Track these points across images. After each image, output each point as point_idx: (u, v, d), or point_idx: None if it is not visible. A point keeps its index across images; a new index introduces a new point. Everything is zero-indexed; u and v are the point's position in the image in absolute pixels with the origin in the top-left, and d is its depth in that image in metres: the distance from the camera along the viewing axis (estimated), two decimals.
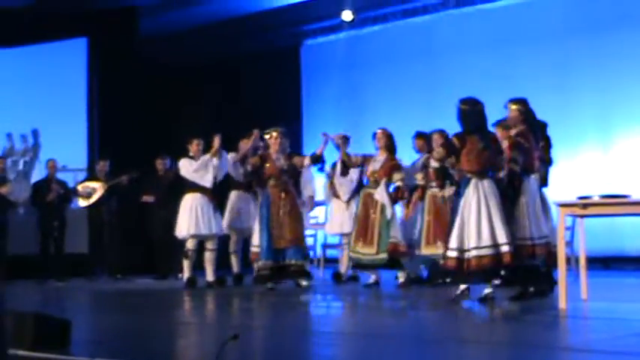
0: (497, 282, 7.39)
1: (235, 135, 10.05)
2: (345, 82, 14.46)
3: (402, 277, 9.12)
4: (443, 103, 12.62)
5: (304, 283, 9.10)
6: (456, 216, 7.00)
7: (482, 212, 6.84)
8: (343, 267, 10.06)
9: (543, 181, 7.64)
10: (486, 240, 6.79)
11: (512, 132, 7.20)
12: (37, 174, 12.77)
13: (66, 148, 13.03)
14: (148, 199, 11.46)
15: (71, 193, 11.90)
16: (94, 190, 11.74)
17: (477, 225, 6.81)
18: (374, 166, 9.27)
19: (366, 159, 9.45)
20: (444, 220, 8.63)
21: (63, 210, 11.75)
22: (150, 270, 11.72)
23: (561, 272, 6.31)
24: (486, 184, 6.95)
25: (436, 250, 8.76)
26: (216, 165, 9.61)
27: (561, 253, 6.34)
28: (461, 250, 6.86)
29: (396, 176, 9.16)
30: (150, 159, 11.53)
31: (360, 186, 9.79)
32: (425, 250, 9.02)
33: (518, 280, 7.13)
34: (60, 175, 12.16)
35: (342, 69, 14.50)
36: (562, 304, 6.22)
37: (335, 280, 10.05)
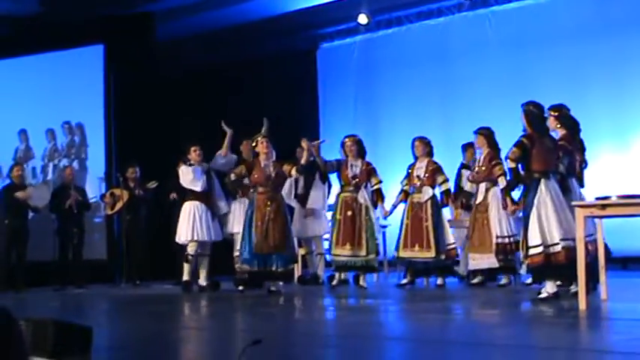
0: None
1: (251, 137, 10.08)
2: (361, 84, 14.48)
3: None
4: (458, 104, 12.70)
5: (273, 288, 9.05)
6: (528, 213, 7.04)
7: (558, 207, 6.99)
8: (320, 269, 10.36)
9: (579, 182, 7.70)
10: (569, 232, 6.89)
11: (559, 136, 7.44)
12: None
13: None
14: (173, 196, 11.32)
15: (89, 201, 11.94)
16: (118, 198, 11.79)
17: (557, 219, 6.94)
18: (353, 171, 9.44)
19: (340, 164, 9.56)
20: (421, 224, 9.18)
21: (82, 216, 11.78)
22: (171, 276, 11.71)
23: (581, 273, 6.29)
24: (553, 182, 7.10)
25: (413, 253, 9.22)
26: (224, 162, 9.82)
27: (581, 254, 6.32)
28: (546, 245, 6.94)
29: (374, 180, 9.44)
30: (170, 164, 11.49)
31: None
32: (402, 253, 9.36)
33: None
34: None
35: (358, 72, 14.53)
36: (582, 304, 6.21)
37: (302, 282, 10.36)
